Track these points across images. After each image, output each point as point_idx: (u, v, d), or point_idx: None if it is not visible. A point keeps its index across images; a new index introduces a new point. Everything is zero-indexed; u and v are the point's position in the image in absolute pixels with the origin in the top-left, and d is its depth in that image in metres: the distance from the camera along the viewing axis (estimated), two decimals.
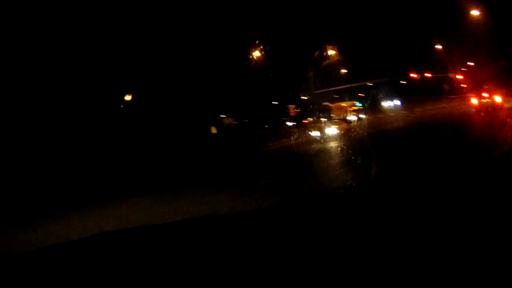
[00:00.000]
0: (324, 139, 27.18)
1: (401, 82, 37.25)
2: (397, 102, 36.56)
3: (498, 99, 24.98)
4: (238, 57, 34.33)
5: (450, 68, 34.37)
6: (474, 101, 26.01)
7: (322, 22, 35.12)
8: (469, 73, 34.12)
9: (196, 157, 25.58)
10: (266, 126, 34.34)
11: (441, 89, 36.27)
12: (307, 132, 30.33)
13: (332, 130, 29.87)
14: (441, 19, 31.92)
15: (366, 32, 34.87)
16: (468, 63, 34.16)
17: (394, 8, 33.85)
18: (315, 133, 29.61)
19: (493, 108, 23.88)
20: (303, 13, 35.15)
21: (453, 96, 33.78)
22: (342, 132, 28.37)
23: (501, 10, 27.96)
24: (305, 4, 34.27)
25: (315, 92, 36.70)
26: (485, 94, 25.79)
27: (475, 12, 28.01)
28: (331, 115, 34.27)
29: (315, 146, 24.37)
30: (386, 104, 36.89)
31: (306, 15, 34.82)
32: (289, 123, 35.78)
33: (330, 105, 35.83)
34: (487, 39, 29.72)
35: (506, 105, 24.13)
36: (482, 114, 23.52)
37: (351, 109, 33.75)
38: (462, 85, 35.31)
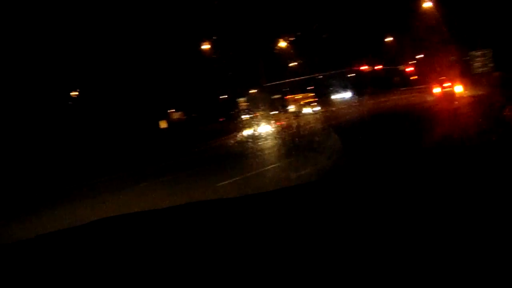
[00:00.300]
0: (256, 137, 23.70)
1: (350, 75, 37.31)
2: (347, 95, 36.46)
3: (459, 88, 25.70)
4: (187, 50, 33.25)
5: (401, 60, 34.90)
6: (436, 90, 26.38)
7: (273, 14, 34.68)
8: (419, 65, 34.83)
9: (138, 151, 24.30)
10: (220, 120, 33.27)
11: (391, 81, 36.71)
12: (243, 129, 28.02)
13: (266, 128, 26.00)
14: (392, 12, 32.31)
15: (317, 25, 34.77)
16: (418, 56, 34.88)
17: (346, 1, 34.00)
18: (247, 132, 25.62)
19: (453, 97, 24.36)
20: (254, 5, 34.59)
21: (404, 88, 34.22)
22: (282, 128, 25.92)
23: (452, 3, 28.55)
24: None
25: (265, 85, 36.10)
26: (446, 84, 26.11)
27: (427, 4, 28.20)
28: (287, 108, 33.68)
29: (245, 145, 21.83)
30: (337, 96, 36.68)
31: (257, 7, 34.27)
32: (238, 117, 34.76)
33: (285, 98, 35.28)
34: (438, 32, 30.28)
35: (466, 94, 24.87)
36: (444, 102, 23.80)
37: (306, 102, 33.27)
38: (412, 77, 35.98)
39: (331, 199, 2.32)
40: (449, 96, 24.76)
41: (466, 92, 25.22)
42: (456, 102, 23.01)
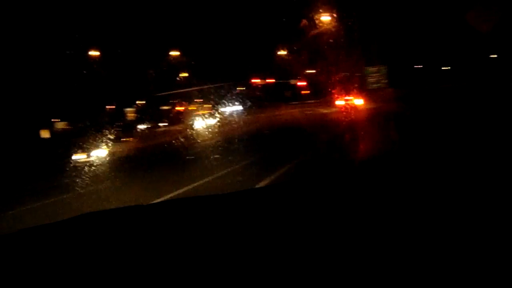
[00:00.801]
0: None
1: (242, 87, 36.73)
2: (238, 108, 35.77)
3: (359, 101, 27.19)
4: (74, 58, 30.64)
5: (294, 74, 35.12)
6: (339, 102, 27.01)
7: (164, 23, 33.26)
8: (312, 80, 35.33)
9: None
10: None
11: (282, 95, 36.79)
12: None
13: (102, 152, 20.42)
14: (287, 25, 32.46)
15: (209, 35, 33.88)
16: (311, 70, 35.32)
17: (239, 14, 33.48)
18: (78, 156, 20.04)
19: (355, 109, 25.22)
20: (142, 13, 33.02)
21: (295, 102, 34.49)
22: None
23: (349, 19, 29.13)
24: (144, 4, 32.23)
25: (154, 95, 34.33)
26: (348, 97, 26.97)
27: (325, 18, 28.35)
28: (179, 119, 32.19)
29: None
30: (228, 109, 35.79)
31: (146, 15, 32.75)
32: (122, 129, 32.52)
33: (176, 109, 33.74)
34: (333, 47, 30.92)
35: (366, 107, 26.07)
36: (345, 114, 24.47)
37: (200, 113, 32.00)
38: (304, 91, 36.43)
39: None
40: (350, 108, 25.63)
41: (366, 105, 26.43)
42: (355, 114, 23.82)
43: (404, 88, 28.48)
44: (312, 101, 33.64)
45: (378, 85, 29.36)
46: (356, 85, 28.01)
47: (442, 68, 32.15)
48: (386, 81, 29.34)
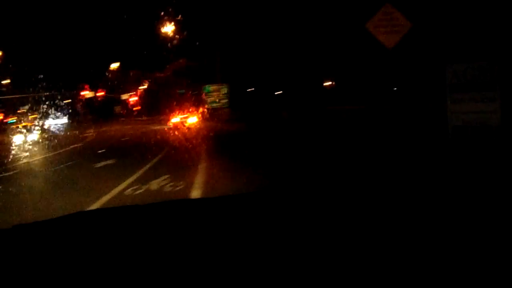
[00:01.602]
0: None
1: (69, 100, 34.44)
2: (64, 121, 33.44)
3: (193, 119, 27.31)
4: None
5: (125, 89, 33.86)
6: (174, 120, 26.75)
7: None
8: (144, 96, 34.37)
9: None
10: None
11: (112, 110, 35.25)
12: None
13: None
14: (121, 36, 31.36)
15: (36, 38, 31.36)
16: (143, 86, 34.35)
17: (75, 19, 31.54)
18: None
19: (188, 127, 25.30)
20: None
21: (124, 119, 33.17)
22: None
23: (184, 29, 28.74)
24: None
25: None
26: (182, 116, 27.27)
27: (168, 28, 27.54)
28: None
29: None
30: (52, 122, 33.09)
31: None
32: None
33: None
34: (170, 63, 30.71)
35: (200, 126, 26.21)
36: (178, 132, 24.42)
37: (21, 126, 29.05)
38: (135, 108, 35.16)
39: None
40: (184, 126, 25.57)
41: (200, 123, 26.60)
42: (188, 132, 23.80)
43: (242, 109, 28.69)
44: (145, 118, 32.78)
45: (218, 104, 29.41)
46: (194, 103, 28.01)
47: (275, 93, 33.06)
48: (226, 100, 29.46)
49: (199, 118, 27.17)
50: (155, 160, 11.40)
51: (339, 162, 9.57)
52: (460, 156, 9.06)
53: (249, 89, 31.99)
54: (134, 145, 16.89)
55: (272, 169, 9.26)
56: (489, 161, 7.71)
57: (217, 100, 29.31)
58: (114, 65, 33.04)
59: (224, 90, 29.22)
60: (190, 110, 27.71)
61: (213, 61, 29.36)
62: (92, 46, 31.53)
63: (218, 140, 17.39)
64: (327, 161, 9.64)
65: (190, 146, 16.64)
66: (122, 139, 21.74)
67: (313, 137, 15.65)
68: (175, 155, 13.13)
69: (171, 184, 8.35)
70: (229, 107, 29.10)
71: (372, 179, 6.65)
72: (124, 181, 8.68)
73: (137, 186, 8.40)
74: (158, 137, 21.33)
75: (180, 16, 25.71)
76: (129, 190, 8.19)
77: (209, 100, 29.31)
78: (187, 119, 27.00)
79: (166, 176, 8.66)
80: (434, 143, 10.69)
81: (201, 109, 28.24)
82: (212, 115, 28.44)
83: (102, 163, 11.21)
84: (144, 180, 8.64)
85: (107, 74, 33.70)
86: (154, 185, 8.30)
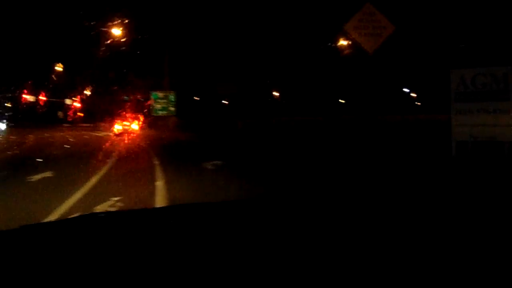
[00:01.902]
0: None
1: (10, 103, 32.72)
2: (2, 126, 31.61)
3: (136, 127, 27.28)
4: None
5: (70, 94, 32.48)
6: (117, 127, 25.89)
7: None
8: (88, 101, 33.09)
9: None
10: None
11: (55, 115, 33.77)
12: None
13: None
14: (65, 38, 29.89)
15: None
16: (87, 92, 33.01)
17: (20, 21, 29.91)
18: None
19: (131, 135, 24.78)
20: None
21: (67, 125, 31.76)
22: None
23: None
24: None
25: None
26: (126, 123, 26.86)
27: (116, 32, 26.06)
28: None
29: None
30: None
31: None
32: None
33: None
34: (114, 68, 29.64)
35: (143, 133, 26.15)
36: (123, 138, 23.80)
37: None
38: (79, 113, 33.85)
39: None
40: (127, 133, 24.99)
41: (143, 131, 26.20)
42: (131, 139, 23.48)
43: (188, 118, 28.10)
44: (88, 125, 31.56)
45: (164, 112, 28.39)
46: (138, 110, 27.41)
47: (222, 101, 32.39)
48: (173, 108, 28.32)
49: (140, 126, 26.54)
50: (101, 172, 9.92)
51: (310, 169, 8.99)
52: (462, 171, 7.86)
53: (195, 98, 31.34)
54: (77, 154, 15.85)
55: (262, 181, 8.38)
56: (499, 182, 6.39)
57: (164, 107, 28.34)
58: (58, 68, 31.48)
59: (172, 97, 28.22)
60: (134, 117, 27.02)
61: (161, 66, 28.47)
62: (35, 47, 30.06)
63: (172, 151, 16.60)
64: (306, 168, 9.16)
65: (142, 157, 15.83)
66: (65, 146, 20.60)
67: (278, 147, 15.22)
68: (125, 167, 12.13)
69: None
70: (176, 115, 28.22)
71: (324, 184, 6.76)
72: (63, 202, 6.62)
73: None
74: (103, 145, 20.38)
75: (127, 20, 24.58)
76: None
77: (156, 107, 28.31)
78: (131, 126, 26.43)
79: (116, 199, 6.66)
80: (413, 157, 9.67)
81: (142, 118, 27.74)
82: (157, 123, 27.67)
83: (39, 176, 9.42)
84: (90, 201, 6.59)
85: (52, 76, 32.15)
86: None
